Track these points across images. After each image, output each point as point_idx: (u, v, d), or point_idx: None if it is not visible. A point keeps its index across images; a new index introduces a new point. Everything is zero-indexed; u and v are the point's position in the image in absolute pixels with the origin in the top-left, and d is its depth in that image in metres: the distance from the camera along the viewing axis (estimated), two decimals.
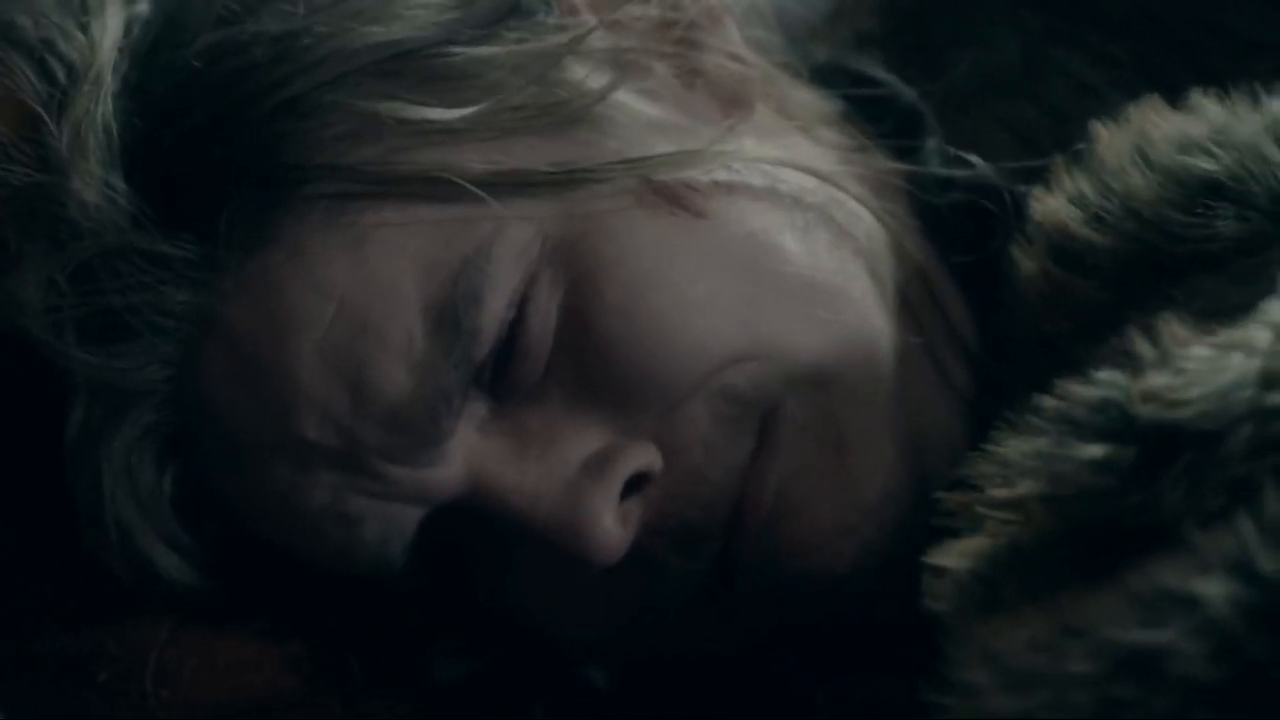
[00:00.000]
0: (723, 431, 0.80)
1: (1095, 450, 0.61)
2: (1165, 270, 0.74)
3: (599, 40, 0.84)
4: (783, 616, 0.82)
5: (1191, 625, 0.54)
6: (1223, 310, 0.67)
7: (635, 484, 0.80)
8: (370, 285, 0.78)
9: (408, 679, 0.85)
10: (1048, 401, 0.65)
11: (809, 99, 0.93)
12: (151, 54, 0.82)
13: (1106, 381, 0.63)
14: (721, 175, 0.83)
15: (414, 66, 0.81)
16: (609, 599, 0.82)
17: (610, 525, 0.78)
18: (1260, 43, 0.86)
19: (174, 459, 0.82)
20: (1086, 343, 0.75)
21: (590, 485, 0.78)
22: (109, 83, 0.80)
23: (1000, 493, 0.65)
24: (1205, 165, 0.73)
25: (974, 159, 0.87)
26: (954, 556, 0.65)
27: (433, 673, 0.86)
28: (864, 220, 0.86)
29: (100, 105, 0.80)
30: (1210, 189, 0.73)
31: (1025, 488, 0.64)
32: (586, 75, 0.83)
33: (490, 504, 0.79)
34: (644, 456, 0.80)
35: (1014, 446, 0.65)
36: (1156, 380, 0.61)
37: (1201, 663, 0.54)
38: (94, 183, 0.78)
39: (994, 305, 0.84)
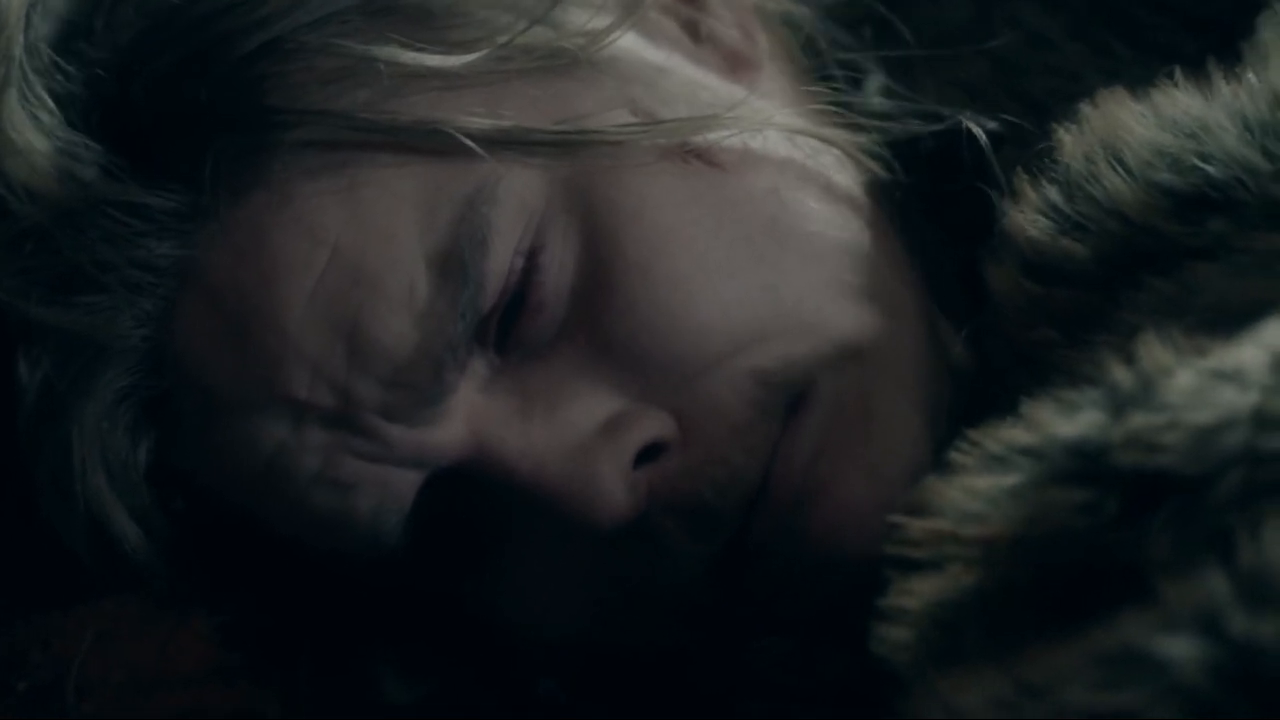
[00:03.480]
0: (750, 415, 0.73)
1: (1075, 495, 0.55)
2: (1154, 261, 0.68)
3: None
4: (780, 611, 0.75)
5: (1159, 689, 0.48)
6: (1224, 309, 0.61)
7: (648, 454, 0.73)
8: (366, 231, 0.72)
9: (354, 700, 0.79)
10: (1018, 434, 0.59)
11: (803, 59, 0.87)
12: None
13: (1085, 421, 0.56)
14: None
15: (406, 5, 0.75)
16: (606, 581, 0.75)
17: (618, 489, 0.72)
18: (1199, 18, 0.80)
19: (150, 427, 0.76)
20: (1076, 349, 0.70)
21: (600, 449, 0.72)
22: (36, 25, 0.74)
23: (965, 526, 0.59)
24: (1190, 179, 0.67)
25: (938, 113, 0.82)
26: (912, 598, 0.59)
27: (382, 694, 0.80)
28: (869, 187, 0.80)
29: (17, 49, 0.73)
30: (1198, 200, 0.67)
31: (993, 525, 0.57)
32: (589, 18, 0.77)
33: (493, 468, 0.73)
34: (659, 426, 0.73)
35: (986, 480, 0.58)
36: (1137, 421, 0.55)
37: None
38: (39, 138, 0.73)
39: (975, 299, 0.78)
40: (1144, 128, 0.70)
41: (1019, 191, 0.74)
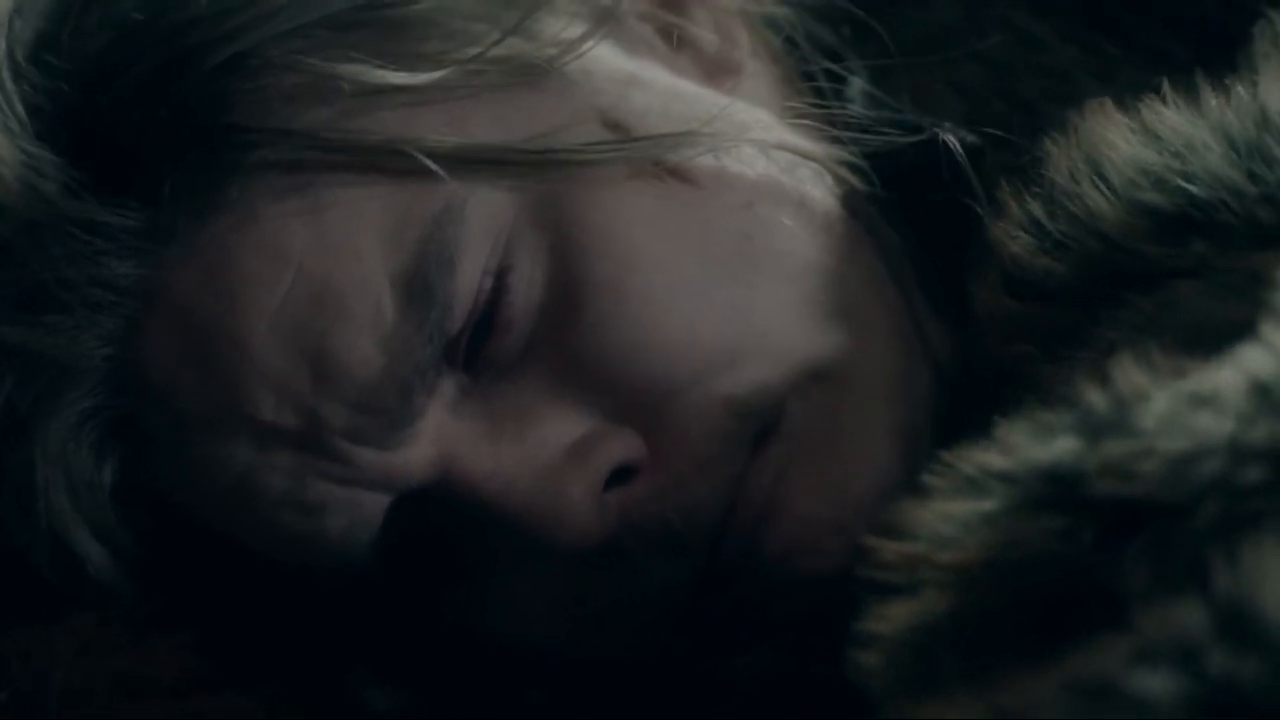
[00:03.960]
0: (717, 447, 0.73)
1: (1051, 522, 0.54)
2: (1135, 280, 0.67)
3: None
4: (751, 629, 0.74)
5: None
6: (1204, 329, 0.60)
7: (619, 476, 0.73)
8: (330, 252, 0.71)
9: (338, 708, 0.79)
10: (991, 458, 0.58)
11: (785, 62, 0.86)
12: (85, 4, 0.74)
13: (1060, 446, 0.55)
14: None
15: (374, 18, 0.74)
16: (579, 600, 0.75)
17: (587, 511, 0.71)
18: (1179, 19, 0.78)
19: (114, 447, 0.75)
20: (1047, 366, 0.69)
21: (569, 471, 0.72)
22: (16, 32, 0.73)
23: (939, 551, 0.58)
24: (1174, 199, 0.66)
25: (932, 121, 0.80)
26: (886, 623, 0.59)
27: (364, 703, 0.80)
28: (846, 200, 0.79)
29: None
30: (1181, 221, 0.66)
31: (968, 550, 0.56)
32: (562, 27, 0.76)
33: (461, 490, 0.72)
34: (629, 448, 0.73)
35: (960, 505, 0.58)
36: (1112, 448, 0.54)
37: None
38: (7, 150, 0.72)
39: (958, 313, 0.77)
40: (1128, 144, 0.69)
41: (1003, 204, 0.73)
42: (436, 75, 0.73)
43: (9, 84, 0.73)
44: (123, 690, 0.76)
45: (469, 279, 0.72)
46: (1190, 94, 0.70)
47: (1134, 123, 0.70)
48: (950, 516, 0.58)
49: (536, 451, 0.72)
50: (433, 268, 0.71)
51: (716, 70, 0.81)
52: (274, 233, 0.72)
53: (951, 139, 0.78)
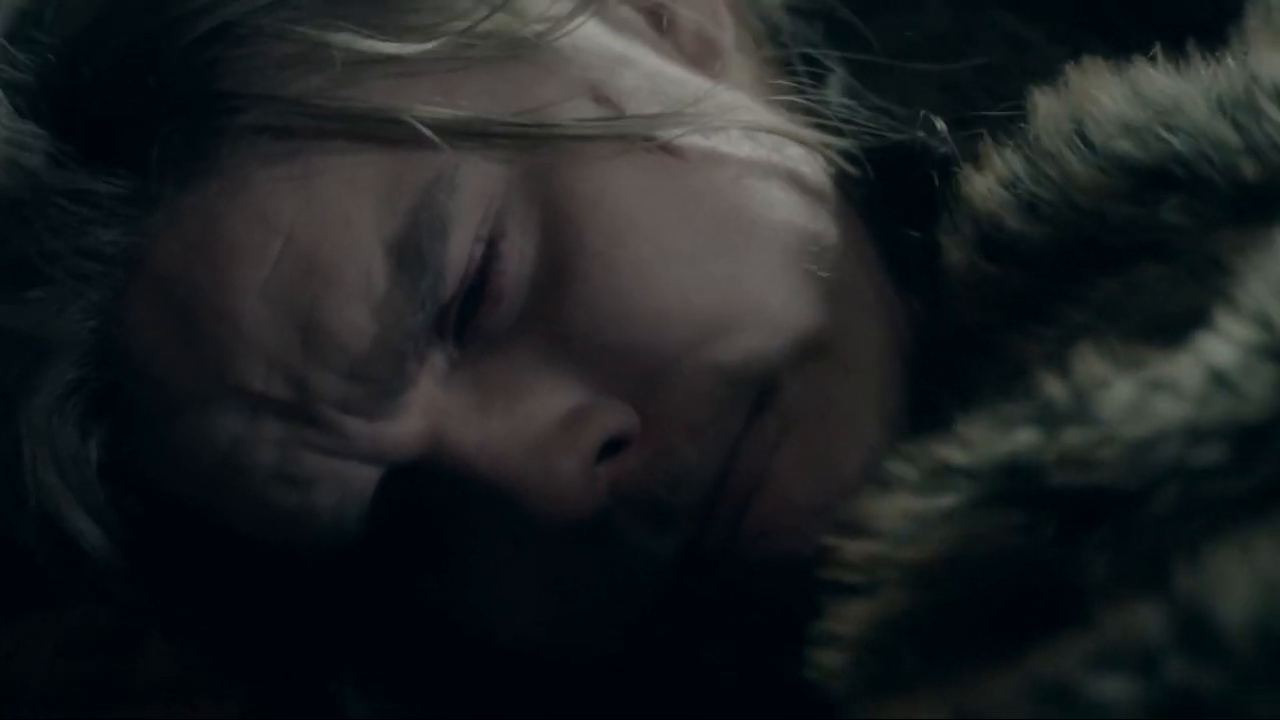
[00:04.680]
0: (708, 413, 0.71)
1: (1011, 517, 0.52)
2: (1105, 258, 0.65)
3: None
4: (732, 614, 0.73)
5: None
6: (1165, 316, 0.58)
7: (610, 448, 0.71)
8: (321, 219, 0.70)
9: (317, 713, 0.78)
10: (951, 452, 0.56)
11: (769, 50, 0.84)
12: None
13: (1020, 441, 0.53)
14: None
15: None
16: (564, 581, 0.73)
17: (578, 483, 0.70)
18: (1171, 22, 0.74)
19: (101, 420, 0.74)
20: (1014, 336, 0.67)
21: (560, 443, 0.70)
22: None
23: (900, 549, 0.56)
24: (1154, 151, 0.63)
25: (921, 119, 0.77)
26: (846, 623, 0.56)
27: (344, 711, 0.78)
28: (835, 180, 0.77)
29: None
30: (1159, 176, 0.63)
31: (928, 547, 0.55)
32: (549, 3, 0.75)
33: (452, 462, 0.71)
34: (621, 419, 0.71)
35: (920, 502, 0.56)
36: (1072, 438, 0.52)
37: None
38: None
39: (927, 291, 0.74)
40: (1113, 101, 0.66)
41: (983, 155, 0.70)
42: (427, 46, 0.72)
43: None
44: (103, 694, 0.76)
45: (461, 247, 0.70)
46: (1182, 63, 0.68)
47: (1122, 81, 0.67)
48: (910, 513, 0.56)
49: (527, 424, 0.71)
50: (425, 235, 0.70)
51: (702, 57, 0.80)
52: (263, 199, 0.70)
53: (939, 123, 0.76)
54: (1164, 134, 0.64)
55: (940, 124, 0.76)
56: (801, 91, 0.80)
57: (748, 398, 0.71)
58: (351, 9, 0.72)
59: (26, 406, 0.72)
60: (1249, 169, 0.62)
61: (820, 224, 0.75)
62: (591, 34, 0.76)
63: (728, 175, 0.74)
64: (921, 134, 0.76)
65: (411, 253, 0.70)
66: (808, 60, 0.82)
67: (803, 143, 0.77)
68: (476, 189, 0.71)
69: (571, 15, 0.74)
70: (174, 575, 0.77)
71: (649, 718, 0.78)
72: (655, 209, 0.72)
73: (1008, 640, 0.51)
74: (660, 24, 0.79)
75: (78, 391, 0.73)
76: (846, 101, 0.79)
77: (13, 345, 0.72)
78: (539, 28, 0.74)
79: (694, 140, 0.74)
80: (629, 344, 0.71)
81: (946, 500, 0.55)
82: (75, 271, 0.71)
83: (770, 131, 0.77)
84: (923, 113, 0.76)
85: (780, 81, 0.81)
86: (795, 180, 0.76)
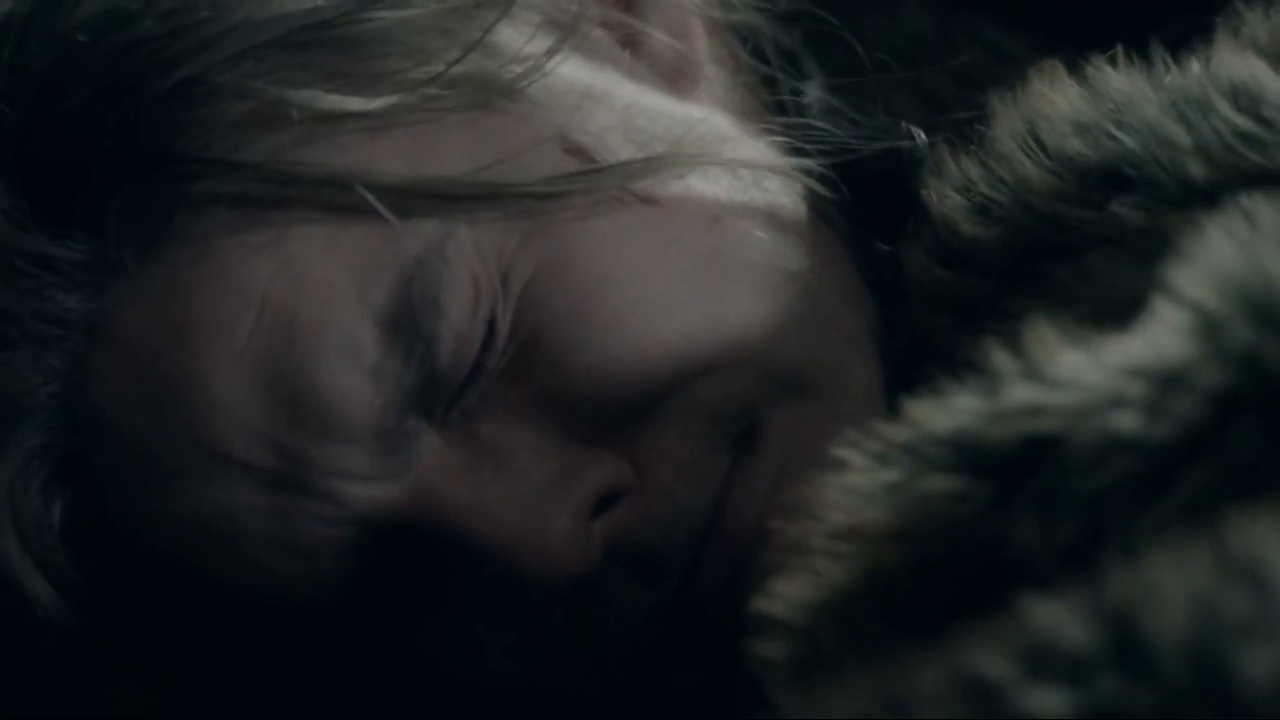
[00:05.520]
0: (695, 451, 0.69)
1: (948, 482, 0.51)
2: (1056, 253, 0.64)
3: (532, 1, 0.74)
4: (717, 654, 0.69)
5: None
6: (1114, 300, 0.56)
7: (605, 502, 0.69)
8: (298, 286, 0.67)
9: None
10: (897, 430, 0.54)
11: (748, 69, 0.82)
12: (26, 24, 0.70)
13: (961, 409, 0.52)
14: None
15: (327, 37, 0.70)
16: (548, 631, 0.71)
17: (574, 542, 0.68)
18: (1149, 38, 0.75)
19: (64, 486, 0.71)
20: (966, 336, 0.65)
21: (554, 501, 0.68)
22: None
23: (838, 520, 0.54)
24: (1104, 151, 0.62)
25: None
26: (775, 601, 0.54)
27: None
28: (814, 206, 0.76)
29: None
30: (1110, 176, 0.63)
31: (868, 517, 0.53)
32: (525, 41, 0.72)
33: (444, 523, 0.69)
34: (613, 472, 0.69)
35: (864, 478, 0.54)
36: (1015, 393, 0.50)
37: None
38: None
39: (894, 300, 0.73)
40: (1067, 101, 0.66)
41: (939, 163, 0.70)
42: (392, 100, 0.70)
43: None
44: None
45: (455, 320, 0.68)
46: (1144, 64, 0.67)
47: (1077, 82, 0.67)
48: (853, 489, 0.54)
49: (519, 483, 0.69)
50: (419, 309, 0.68)
51: (675, 76, 0.78)
52: (231, 268, 0.68)
53: (917, 132, 0.76)
54: (1115, 132, 0.63)
55: (920, 134, 0.75)
56: (779, 102, 0.79)
57: (731, 435, 0.70)
58: (315, 58, 0.70)
59: None
60: (1196, 170, 0.61)
61: (799, 258, 0.74)
62: (562, 69, 0.74)
63: (704, 217, 0.73)
64: (905, 143, 0.75)
65: (405, 325, 0.68)
66: (785, 65, 0.81)
67: (782, 172, 0.76)
68: (463, 259, 0.69)
69: (550, 52, 0.72)
70: (148, 621, 0.76)
71: None
72: (626, 257, 0.71)
73: (939, 623, 0.49)
74: (631, 44, 0.78)
75: (39, 457, 0.71)
76: (824, 105, 0.78)
77: None
78: (516, 69, 0.72)
79: (669, 184, 0.73)
80: (610, 396, 0.70)
81: (888, 475, 0.53)
82: (33, 335, 0.69)
83: (747, 167, 0.75)
84: (903, 124, 0.76)
85: (757, 101, 0.80)
86: (773, 215, 0.74)
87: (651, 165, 0.72)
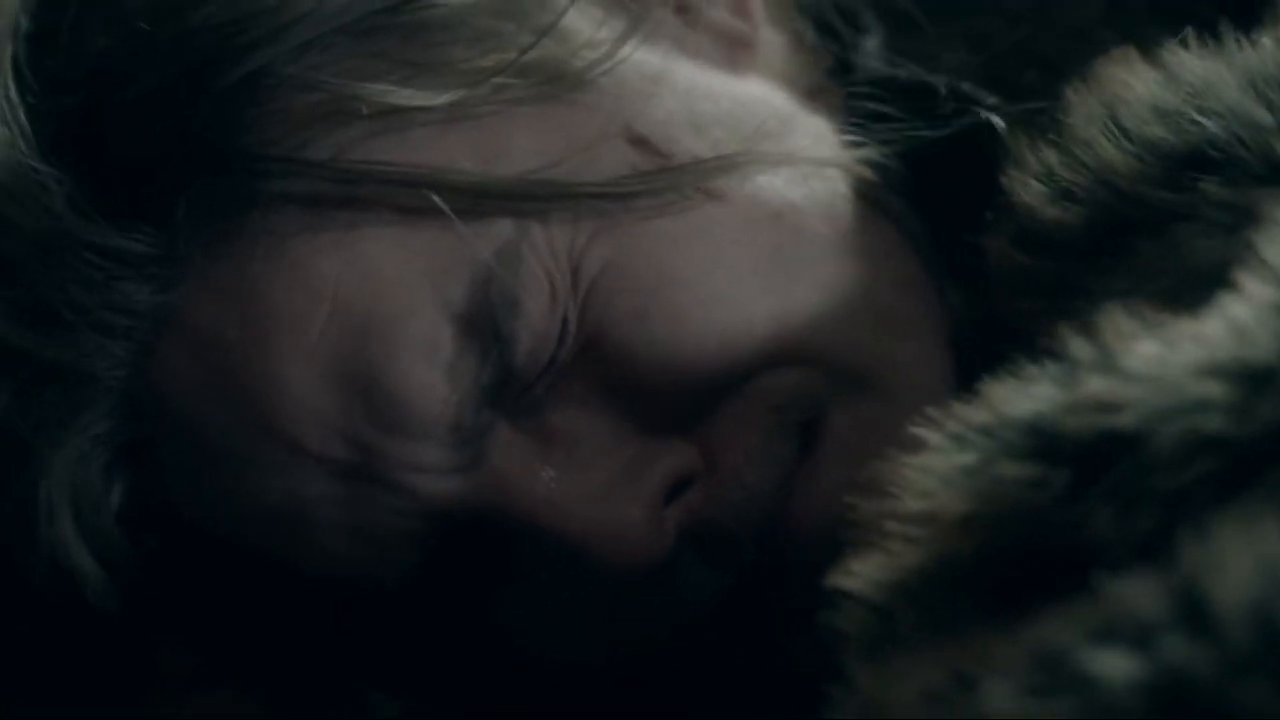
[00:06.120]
0: (762, 437, 0.70)
1: (1024, 470, 0.51)
2: (1139, 228, 0.64)
3: None
4: (789, 639, 0.70)
5: (1086, 703, 0.44)
6: (1198, 273, 0.57)
7: (676, 489, 0.70)
8: (372, 284, 0.68)
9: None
10: (975, 413, 0.55)
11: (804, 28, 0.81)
12: (85, 4, 0.70)
13: (1039, 396, 0.53)
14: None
15: (394, 23, 0.69)
16: (620, 612, 0.72)
17: (649, 531, 0.69)
18: None
19: (124, 472, 0.72)
20: (1047, 319, 0.65)
21: (626, 491, 0.69)
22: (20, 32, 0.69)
23: (915, 505, 0.55)
24: (1187, 136, 0.62)
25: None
26: (852, 577, 0.55)
27: (367, 710, 0.78)
28: (876, 198, 0.76)
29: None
30: (1194, 159, 0.62)
31: (943, 502, 0.53)
32: (596, 27, 0.72)
33: (518, 516, 0.70)
34: (684, 459, 0.70)
35: (941, 459, 0.55)
36: (1092, 386, 0.51)
37: None
38: (10, 166, 0.68)
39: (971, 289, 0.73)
40: (1145, 87, 0.65)
41: (1018, 153, 0.69)
42: (461, 94, 0.69)
43: (13, 91, 0.69)
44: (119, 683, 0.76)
45: (533, 320, 0.69)
46: (1216, 44, 0.66)
47: (1154, 67, 0.66)
48: (930, 470, 0.55)
49: (591, 474, 0.70)
50: (498, 308, 0.68)
51: (733, 46, 0.78)
52: (302, 264, 0.68)
53: (986, 101, 0.75)
54: (1197, 118, 0.63)
55: (997, 120, 0.74)
56: (841, 68, 0.78)
57: (797, 425, 0.71)
58: (383, 46, 0.70)
59: (50, 453, 0.70)
60: None
61: (860, 249, 0.74)
62: (630, 54, 0.73)
63: (767, 211, 0.73)
64: (967, 120, 0.74)
65: (483, 323, 0.68)
66: (844, 18, 0.80)
67: (842, 166, 0.76)
68: (538, 258, 0.69)
69: (623, 39, 0.72)
70: (196, 599, 0.77)
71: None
72: (695, 257, 0.71)
73: (1012, 604, 0.50)
74: (687, 15, 0.77)
75: (103, 443, 0.71)
76: (884, 62, 0.77)
77: (37, 390, 0.70)
78: (588, 56, 0.71)
79: (733, 181, 0.72)
80: (675, 388, 0.70)
81: (965, 458, 0.54)
82: (100, 324, 0.69)
83: (813, 165, 0.75)
84: (967, 86, 0.75)
85: (814, 64, 0.79)
86: (833, 207, 0.74)
87: (723, 164, 0.72)
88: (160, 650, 0.77)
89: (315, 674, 0.79)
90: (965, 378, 0.69)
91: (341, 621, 0.78)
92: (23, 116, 0.69)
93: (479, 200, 0.68)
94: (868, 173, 0.76)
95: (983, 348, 0.70)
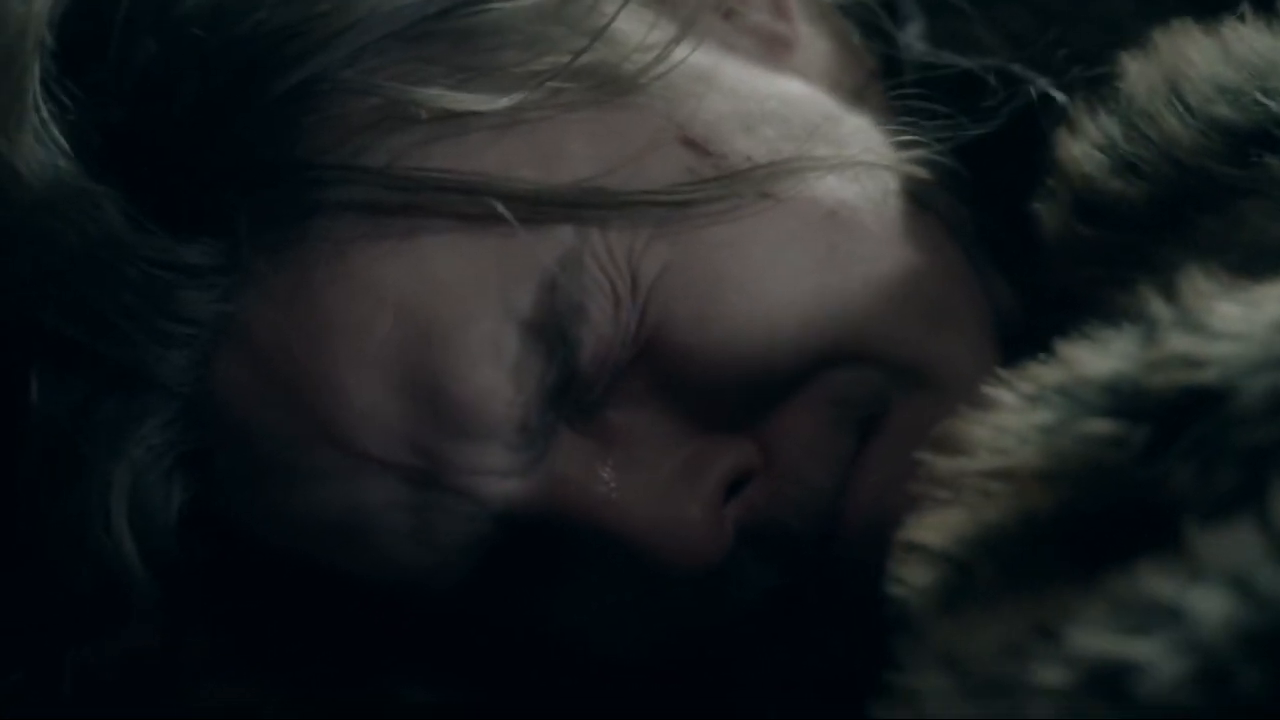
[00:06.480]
0: (824, 432, 0.71)
1: (1104, 428, 0.52)
2: (1202, 203, 0.65)
3: None
4: (835, 630, 0.73)
5: (1174, 640, 0.45)
6: (1262, 248, 0.58)
7: (735, 485, 0.71)
8: (434, 291, 0.68)
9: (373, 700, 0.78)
10: (1051, 372, 0.55)
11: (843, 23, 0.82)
12: (134, 10, 0.69)
13: (1118, 353, 0.53)
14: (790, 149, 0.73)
15: (446, 28, 0.70)
16: (676, 608, 0.73)
17: (710, 531, 0.70)
18: None
19: (185, 481, 0.72)
20: (1118, 289, 0.66)
21: (686, 491, 0.70)
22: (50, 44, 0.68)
23: (992, 461, 0.55)
24: (1252, 114, 0.63)
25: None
26: (928, 531, 0.56)
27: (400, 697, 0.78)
28: (923, 190, 0.76)
29: (31, 80, 0.67)
30: (1259, 137, 0.63)
31: (1021, 459, 0.54)
32: (647, 30, 0.72)
33: (580, 517, 0.70)
34: (743, 456, 0.71)
35: (1017, 418, 0.55)
36: (1175, 343, 0.51)
37: (1182, 687, 0.44)
38: (59, 184, 0.67)
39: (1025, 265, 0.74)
40: (1207, 62, 0.66)
41: (1076, 121, 0.70)
42: (517, 98, 0.69)
43: (44, 110, 0.68)
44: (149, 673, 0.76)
45: (597, 326, 0.69)
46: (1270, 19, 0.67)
47: (1214, 41, 0.67)
48: (1006, 429, 0.55)
49: (651, 473, 0.70)
50: (564, 314, 0.69)
51: (772, 42, 0.78)
52: (362, 272, 0.68)
53: (1037, 80, 0.76)
54: (1261, 98, 0.64)
55: (1059, 94, 0.75)
56: (887, 61, 0.79)
57: (856, 421, 0.72)
58: (437, 50, 0.70)
59: (109, 461, 0.70)
60: None
61: (910, 245, 0.74)
62: (678, 55, 0.73)
63: (820, 211, 0.73)
64: (1033, 87, 0.75)
65: (549, 329, 0.69)
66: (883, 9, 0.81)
67: (889, 165, 0.76)
68: (599, 264, 0.69)
69: (674, 42, 0.72)
70: (238, 596, 0.77)
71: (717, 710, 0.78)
72: (751, 258, 0.71)
73: (1091, 561, 0.51)
74: (727, 13, 0.77)
75: (163, 454, 0.71)
76: (925, 50, 0.78)
77: (97, 403, 0.70)
78: (641, 60, 0.71)
79: (789, 183, 0.73)
80: (733, 387, 0.71)
81: (1043, 415, 0.54)
82: (161, 334, 0.69)
83: (866, 166, 0.75)
84: (1017, 68, 0.76)
85: (855, 57, 0.80)
86: (887, 205, 0.75)
87: (779, 169, 0.72)
88: (188, 637, 0.78)
89: (339, 659, 0.79)
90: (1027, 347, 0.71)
91: (383, 618, 0.78)
92: (61, 133, 0.68)
93: (538, 207, 0.68)
94: (918, 170, 0.76)
95: (1025, 337, 0.71)
